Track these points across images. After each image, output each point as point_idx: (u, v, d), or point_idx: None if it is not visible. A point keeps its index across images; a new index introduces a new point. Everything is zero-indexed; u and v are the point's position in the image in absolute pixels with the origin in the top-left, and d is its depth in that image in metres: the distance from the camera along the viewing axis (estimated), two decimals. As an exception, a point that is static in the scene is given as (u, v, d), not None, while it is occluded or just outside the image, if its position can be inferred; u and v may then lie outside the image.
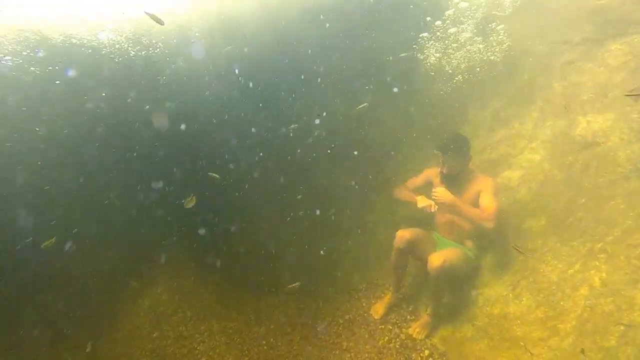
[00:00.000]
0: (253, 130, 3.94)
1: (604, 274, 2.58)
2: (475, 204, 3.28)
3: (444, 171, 3.39)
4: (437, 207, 3.21)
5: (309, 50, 4.10)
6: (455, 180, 3.39)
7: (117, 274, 3.54)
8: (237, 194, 3.90)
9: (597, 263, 2.67)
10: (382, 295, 3.83)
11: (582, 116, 3.58)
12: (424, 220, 3.80)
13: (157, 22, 3.14)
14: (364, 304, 3.79)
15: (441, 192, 3.19)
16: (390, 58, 4.27)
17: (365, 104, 3.63)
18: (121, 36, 3.60)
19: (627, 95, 3.16)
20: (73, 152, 3.34)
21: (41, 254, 3.02)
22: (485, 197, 3.26)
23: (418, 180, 3.75)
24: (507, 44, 4.21)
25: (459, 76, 4.37)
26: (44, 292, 3.24)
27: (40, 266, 3.16)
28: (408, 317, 3.62)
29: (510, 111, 4.18)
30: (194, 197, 3.29)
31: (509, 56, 4.22)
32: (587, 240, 2.89)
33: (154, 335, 3.47)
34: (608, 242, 2.70)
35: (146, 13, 3.11)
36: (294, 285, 3.47)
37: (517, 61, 4.22)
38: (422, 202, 3.32)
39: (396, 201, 3.81)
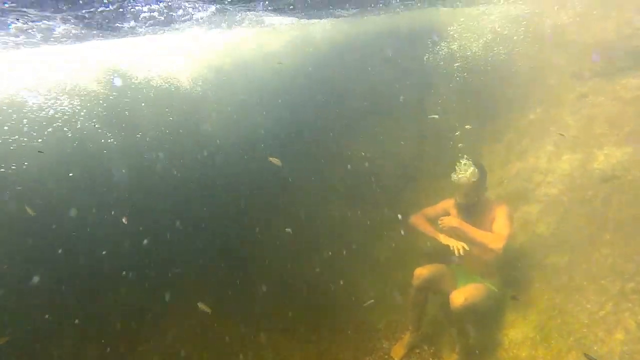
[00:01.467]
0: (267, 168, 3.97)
1: (639, 317, 2.48)
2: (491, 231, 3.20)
3: (459, 200, 3.33)
4: (461, 252, 3.12)
5: (332, 86, 4.21)
6: (471, 210, 3.32)
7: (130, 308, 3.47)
8: (248, 232, 3.88)
9: (631, 305, 2.57)
10: (402, 335, 3.70)
11: (599, 149, 3.57)
12: (443, 253, 3.73)
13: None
14: (384, 345, 3.66)
15: (447, 219, 3.17)
16: (402, 97, 4.35)
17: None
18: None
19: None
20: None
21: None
22: (497, 221, 3.18)
23: (434, 210, 3.65)
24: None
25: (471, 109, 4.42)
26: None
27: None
28: (430, 359, 3.48)
29: (524, 144, 4.19)
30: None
31: (521, 89, 4.28)
32: (617, 278, 2.80)
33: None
34: (640, 282, 2.62)
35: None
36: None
37: (529, 94, 4.27)
38: (445, 240, 3.25)
39: (413, 231, 3.67)
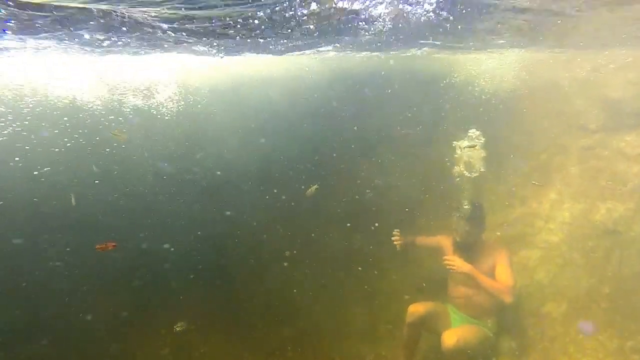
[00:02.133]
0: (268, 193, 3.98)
1: (638, 378, 2.42)
2: (490, 275, 3.15)
3: (458, 239, 3.28)
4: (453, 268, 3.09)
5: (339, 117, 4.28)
6: (468, 249, 3.26)
7: (117, 321, 3.35)
8: (241, 254, 3.83)
9: (629, 363, 2.51)
10: (390, 371, 3.58)
11: (602, 202, 3.60)
12: (438, 292, 3.67)
13: None
14: (371, 380, 3.53)
15: (458, 261, 3.07)
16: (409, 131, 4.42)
17: (316, 185, 3.63)
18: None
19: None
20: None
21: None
22: (501, 269, 3.10)
23: (429, 241, 3.64)
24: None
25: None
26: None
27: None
28: (418, 398, 3.35)
29: (527, 190, 4.21)
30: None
31: (527, 136, 4.35)
32: (615, 335, 2.76)
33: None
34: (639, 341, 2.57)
35: None
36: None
37: (534, 141, 4.33)
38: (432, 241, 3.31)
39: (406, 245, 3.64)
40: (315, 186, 3.43)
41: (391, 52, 4.51)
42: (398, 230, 3.47)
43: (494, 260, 3.20)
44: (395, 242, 3.44)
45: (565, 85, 4.30)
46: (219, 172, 3.98)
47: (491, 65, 4.72)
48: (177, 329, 3.19)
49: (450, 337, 2.91)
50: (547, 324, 3.32)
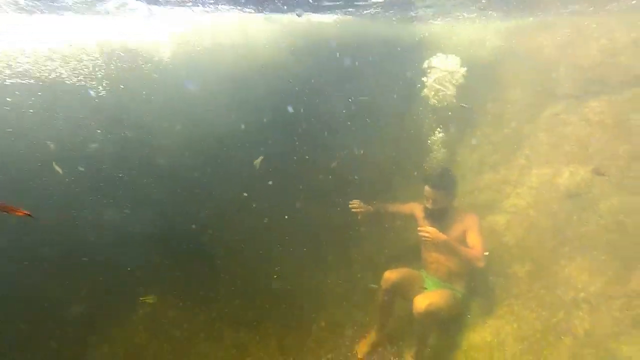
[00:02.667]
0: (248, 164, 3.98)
1: (587, 325, 2.61)
2: (462, 241, 3.29)
3: (429, 206, 3.38)
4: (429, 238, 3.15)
5: (307, 89, 4.25)
6: (439, 216, 3.38)
7: (91, 302, 3.40)
8: (220, 227, 3.87)
9: (581, 313, 2.70)
10: (366, 334, 3.76)
11: (566, 166, 3.73)
12: (413, 259, 3.82)
13: None
14: (347, 343, 3.70)
15: (433, 231, 3.13)
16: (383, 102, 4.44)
17: (261, 157, 3.65)
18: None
19: None
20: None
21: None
22: (472, 235, 3.25)
23: (401, 208, 3.79)
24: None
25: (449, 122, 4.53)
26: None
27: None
28: (392, 358, 3.54)
29: (497, 157, 4.33)
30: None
31: (498, 104, 4.43)
32: (571, 289, 2.94)
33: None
34: (591, 293, 2.75)
35: None
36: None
37: (505, 109, 4.42)
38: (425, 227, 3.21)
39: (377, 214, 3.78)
40: (261, 158, 3.50)
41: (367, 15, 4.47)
42: (357, 200, 3.63)
43: (464, 227, 3.33)
44: (355, 211, 3.60)
45: (535, 53, 4.35)
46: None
47: (463, 34, 4.73)
48: (147, 301, 3.24)
49: (421, 302, 3.06)
50: (512, 283, 3.50)
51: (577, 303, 2.78)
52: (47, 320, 3.22)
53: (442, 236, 3.14)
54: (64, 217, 3.33)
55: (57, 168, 3.21)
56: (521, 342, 2.96)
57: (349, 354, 3.58)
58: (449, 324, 3.44)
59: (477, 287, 3.58)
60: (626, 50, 3.69)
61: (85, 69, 3.62)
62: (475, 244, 3.20)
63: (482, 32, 4.75)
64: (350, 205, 3.54)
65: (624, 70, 3.67)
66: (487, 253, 3.13)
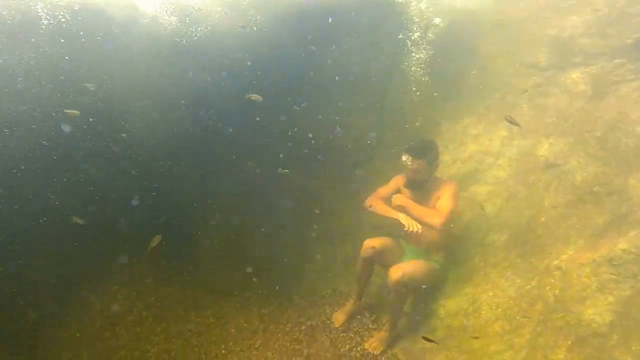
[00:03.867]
0: (226, 132, 3.87)
1: (557, 291, 2.68)
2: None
3: (410, 176, 3.33)
4: (418, 231, 3.14)
5: (287, 54, 4.09)
6: (420, 187, 3.35)
7: (67, 270, 3.33)
8: (199, 195, 3.80)
9: (552, 280, 2.77)
10: (345, 303, 3.82)
11: (545, 138, 3.74)
12: (391, 228, 3.83)
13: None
14: (327, 311, 3.76)
15: (395, 197, 3.29)
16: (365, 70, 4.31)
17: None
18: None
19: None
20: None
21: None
22: (441, 199, 3.25)
23: (387, 189, 3.67)
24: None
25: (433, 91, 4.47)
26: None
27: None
28: (370, 325, 3.63)
29: (480, 128, 4.31)
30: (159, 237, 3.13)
31: (480, 75, 4.36)
32: (545, 257, 3.00)
33: (106, 335, 3.29)
34: (563, 260, 2.81)
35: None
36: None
37: (488, 80, 4.36)
38: (406, 220, 3.21)
39: (370, 213, 3.67)
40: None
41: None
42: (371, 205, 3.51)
43: (440, 194, 3.32)
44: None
45: (518, 24, 4.26)
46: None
47: (445, 2, 4.58)
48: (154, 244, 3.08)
49: (395, 272, 3.09)
50: (490, 252, 3.56)
51: (550, 270, 2.85)
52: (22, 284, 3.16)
53: (400, 200, 3.24)
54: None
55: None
56: (495, 309, 3.04)
57: (328, 321, 3.64)
58: (424, 294, 3.50)
59: (456, 256, 3.64)
60: (608, 21, 3.64)
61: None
62: (439, 206, 3.20)
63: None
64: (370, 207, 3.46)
65: (606, 41, 3.63)
66: (449, 212, 3.15)
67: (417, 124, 3.82)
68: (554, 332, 2.52)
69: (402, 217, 3.26)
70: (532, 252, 3.15)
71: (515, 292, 3.01)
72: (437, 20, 4.26)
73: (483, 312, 3.14)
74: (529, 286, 2.95)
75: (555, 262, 2.86)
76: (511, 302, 2.98)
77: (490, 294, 3.21)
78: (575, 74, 3.78)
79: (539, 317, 2.65)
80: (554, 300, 2.65)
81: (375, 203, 3.53)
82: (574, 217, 3.05)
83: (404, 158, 3.34)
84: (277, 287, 3.80)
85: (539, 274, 2.94)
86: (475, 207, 3.86)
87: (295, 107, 4.11)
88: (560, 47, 3.95)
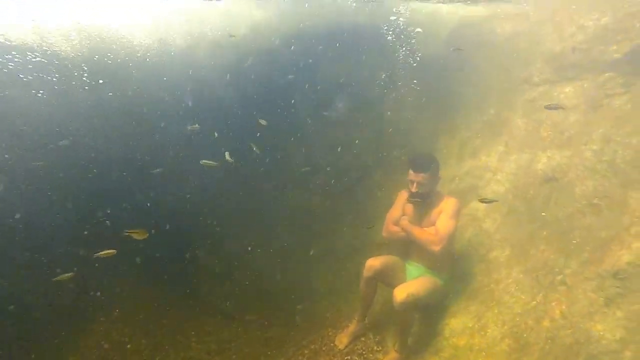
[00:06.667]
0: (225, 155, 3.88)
1: (563, 307, 2.63)
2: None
3: (413, 190, 3.29)
4: None
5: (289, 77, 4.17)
6: (423, 200, 3.31)
7: (66, 299, 3.28)
8: (199, 219, 3.78)
9: (558, 295, 2.73)
10: (348, 324, 3.75)
11: (543, 152, 3.77)
12: (395, 246, 3.80)
13: None
14: (330, 333, 3.69)
15: (402, 219, 3.29)
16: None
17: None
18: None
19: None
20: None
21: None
22: (441, 218, 3.22)
23: (396, 210, 3.56)
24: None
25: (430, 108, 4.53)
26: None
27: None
28: (374, 347, 3.55)
29: (477, 143, 4.35)
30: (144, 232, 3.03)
31: (476, 91, 4.44)
32: (549, 272, 2.97)
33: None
34: (567, 275, 2.78)
35: None
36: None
37: (484, 96, 4.44)
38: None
39: (392, 241, 3.59)
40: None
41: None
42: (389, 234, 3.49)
43: (440, 210, 3.30)
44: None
45: (512, 40, 4.37)
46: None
47: (440, 20, 4.71)
48: (133, 235, 2.94)
49: (400, 293, 3.05)
50: (493, 268, 3.53)
51: (555, 285, 2.81)
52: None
53: (402, 223, 3.24)
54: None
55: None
56: (502, 327, 2.98)
57: (332, 344, 3.57)
58: (430, 311, 3.45)
59: (459, 273, 3.60)
60: (598, 35, 3.74)
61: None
62: (439, 227, 3.16)
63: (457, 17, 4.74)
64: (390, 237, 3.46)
65: (596, 55, 3.71)
66: (448, 235, 3.12)
67: (414, 140, 3.84)
68: (564, 350, 2.46)
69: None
70: (536, 267, 3.12)
71: (521, 309, 2.96)
72: (432, 39, 4.36)
73: (489, 330, 3.07)
74: (535, 302, 2.90)
75: (560, 277, 2.82)
76: (517, 319, 2.93)
77: (496, 311, 3.15)
78: (569, 88, 3.86)
79: (547, 334, 2.60)
80: (561, 316, 2.60)
81: (392, 230, 3.47)
82: (575, 230, 3.04)
83: (409, 172, 3.33)
84: (279, 310, 3.73)
85: (544, 289, 2.90)
86: (476, 223, 3.85)
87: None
88: (554, 61, 4.04)
